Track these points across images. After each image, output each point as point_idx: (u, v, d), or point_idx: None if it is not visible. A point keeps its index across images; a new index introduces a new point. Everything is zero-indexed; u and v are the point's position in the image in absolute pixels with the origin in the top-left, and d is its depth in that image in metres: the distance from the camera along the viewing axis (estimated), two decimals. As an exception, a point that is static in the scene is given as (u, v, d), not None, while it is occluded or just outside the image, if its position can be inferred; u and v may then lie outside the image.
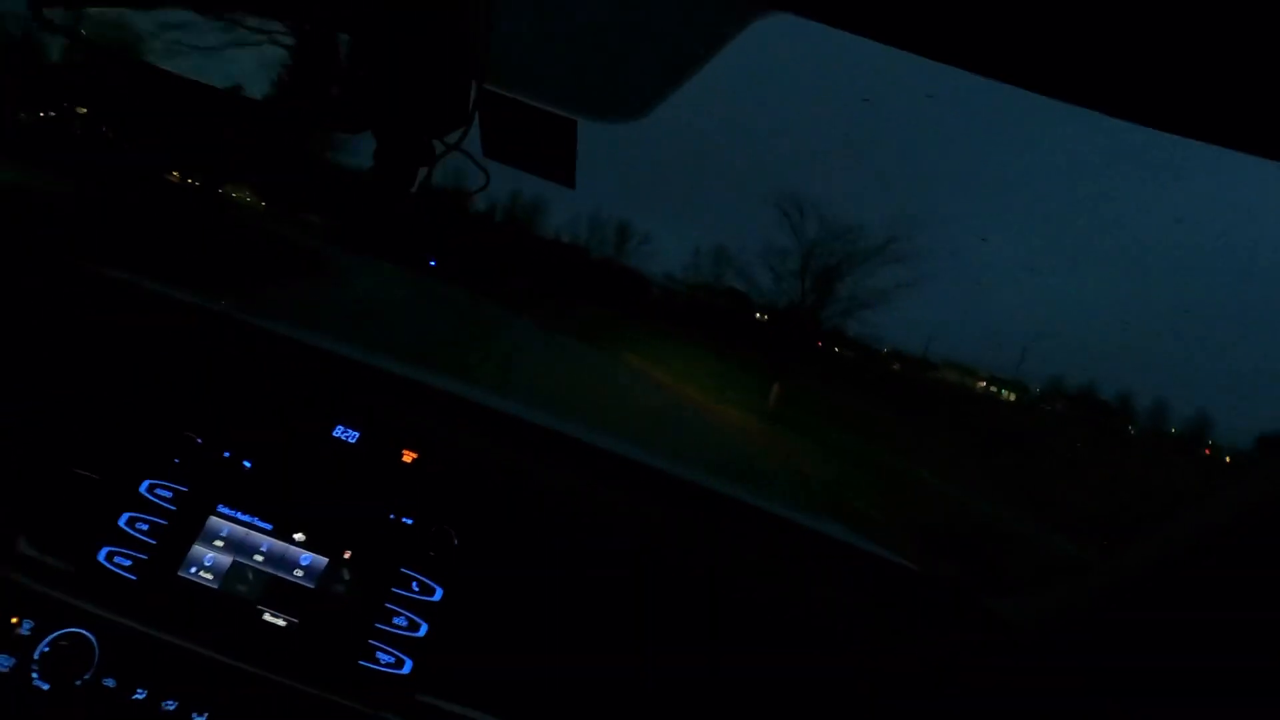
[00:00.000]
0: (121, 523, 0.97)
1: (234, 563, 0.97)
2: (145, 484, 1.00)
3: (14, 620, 0.91)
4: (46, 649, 0.89)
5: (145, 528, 0.98)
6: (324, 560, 0.99)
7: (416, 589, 0.99)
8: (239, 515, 1.00)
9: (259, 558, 0.98)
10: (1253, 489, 0.90)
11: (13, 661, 0.89)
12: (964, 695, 1.04)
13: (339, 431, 1.07)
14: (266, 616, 0.95)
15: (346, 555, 0.99)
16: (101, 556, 0.95)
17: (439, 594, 0.99)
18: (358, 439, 1.07)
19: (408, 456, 1.07)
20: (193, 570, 0.96)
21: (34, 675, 0.89)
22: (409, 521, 1.02)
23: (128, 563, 0.96)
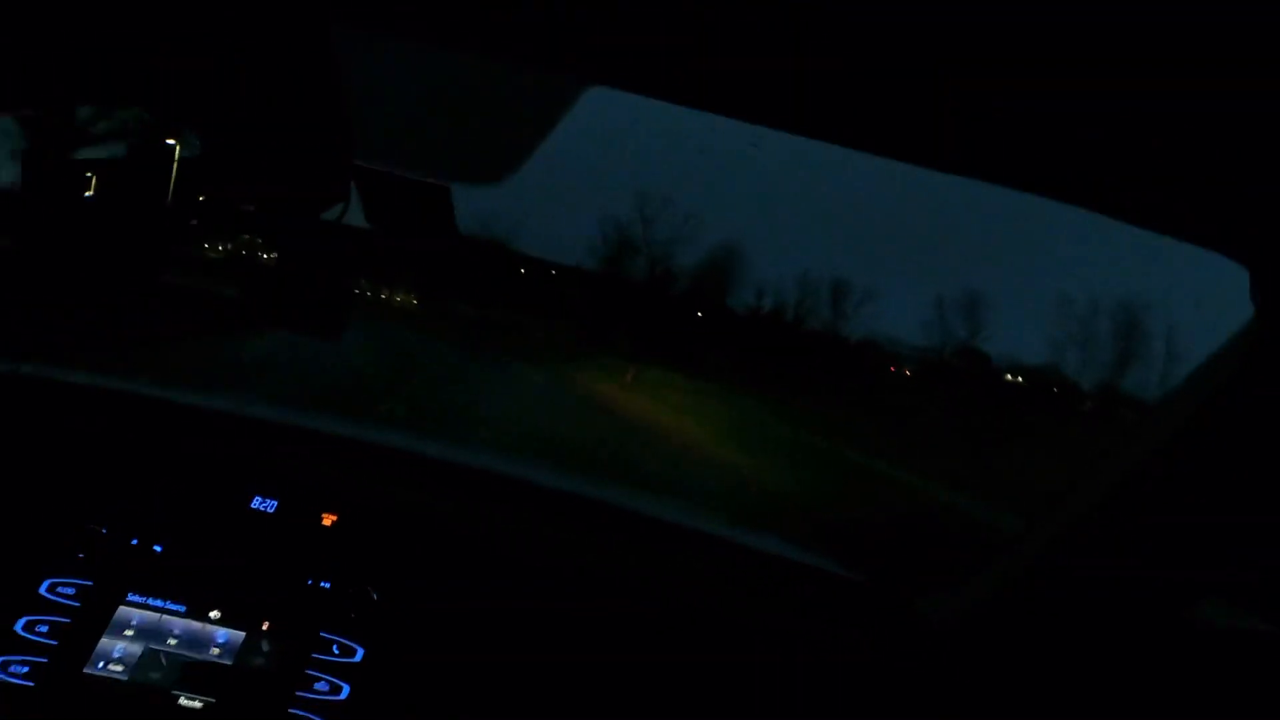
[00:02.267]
0: (19, 628, 0.95)
1: (145, 650, 0.96)
2: (46, 584, 0.98)
3: None
4: None
5: (45, 629, 0.95)
6: (241, 635, 0.98)
7: (337, 651, 0.99)
8: (150, 601, 0.99)
9: (173, 641, 0.97)
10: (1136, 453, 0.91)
11: None
12: (895, 701, 1.06)
13: (257, 503, 1.08)
14: (182, 701, 0.94)
15: (265, 626, 0.99)
16: None
17: (360, 654, 1.00)
18: (276, 508, 1.08)
19: (327, 520, 1.09)
20: (100, 665, 0.94)
21: None
22: (326, 585, 1.03)
23: (25, 669, 0.93)
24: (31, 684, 0.92)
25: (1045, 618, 1.05)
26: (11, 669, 0.92)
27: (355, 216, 1.03)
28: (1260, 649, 1.02)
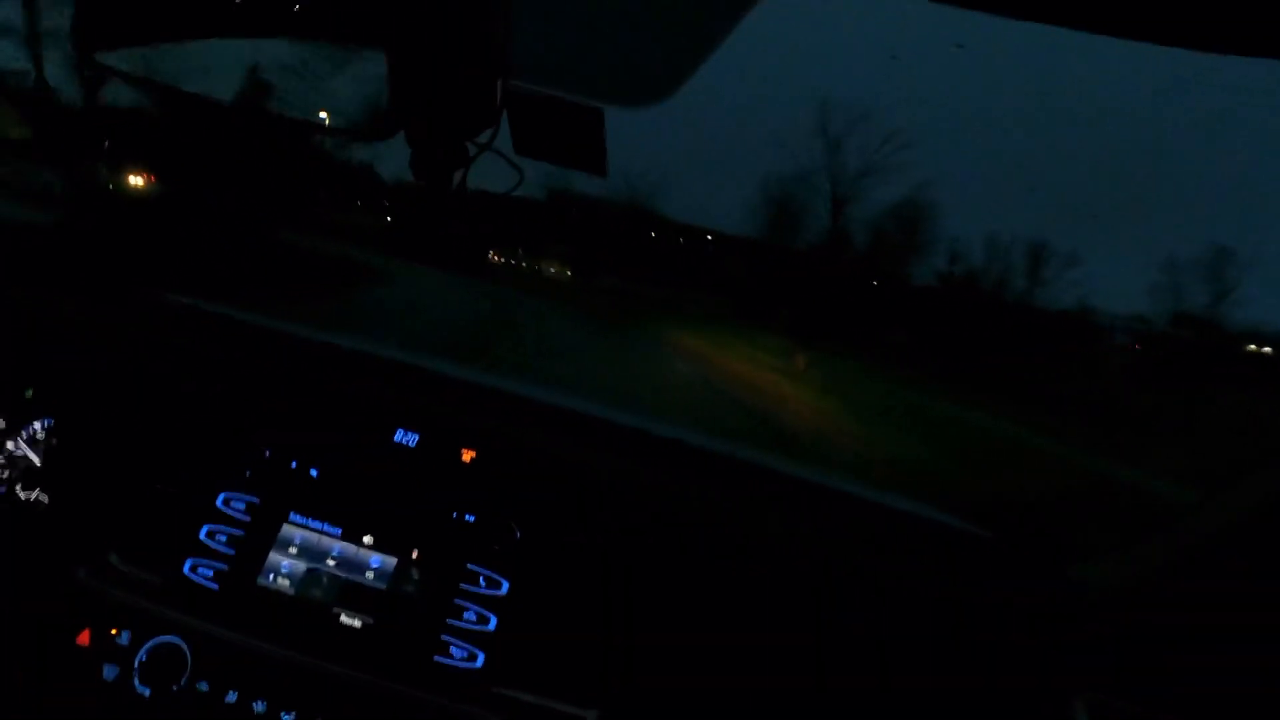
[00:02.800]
0: (202, 535, 1.02)
1: (308, 569, 1.01)
2: (221, 497, 1.05)
3: (113, 631, 0.96)
4: (144, 658, 0.95)
5: (224, 539, 1.02)
6: (393, 561, 1.02)
7: (484, 584, 1.01)
8: (310, 522, 1.03)
9: (331, 562, 1.01)
10: None
11: (116, 670, 0.95)
12: (1049, 666, 1.01)
13: (400, 436, 1.10)
14: (343, 619, 0.99)
15: (414, 555, 1.02)
16: (186, 568, 1.00)
17: (505, 587, 1.01)
18: (418, 442, 1.10)
19: (466, 455, 1.10)
20: (270, 578, 1.00)
21: (135, 682, 0.94)
22: (471, 519, 1.05)
23: (210, 573, 1.00)
24: (216, 587, 0.99)
25: (1218, 592, 0.97)
26: (201, 571, 1.00)
27: (504, 144, 0.98)
28: None
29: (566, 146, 0.96)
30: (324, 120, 1.05)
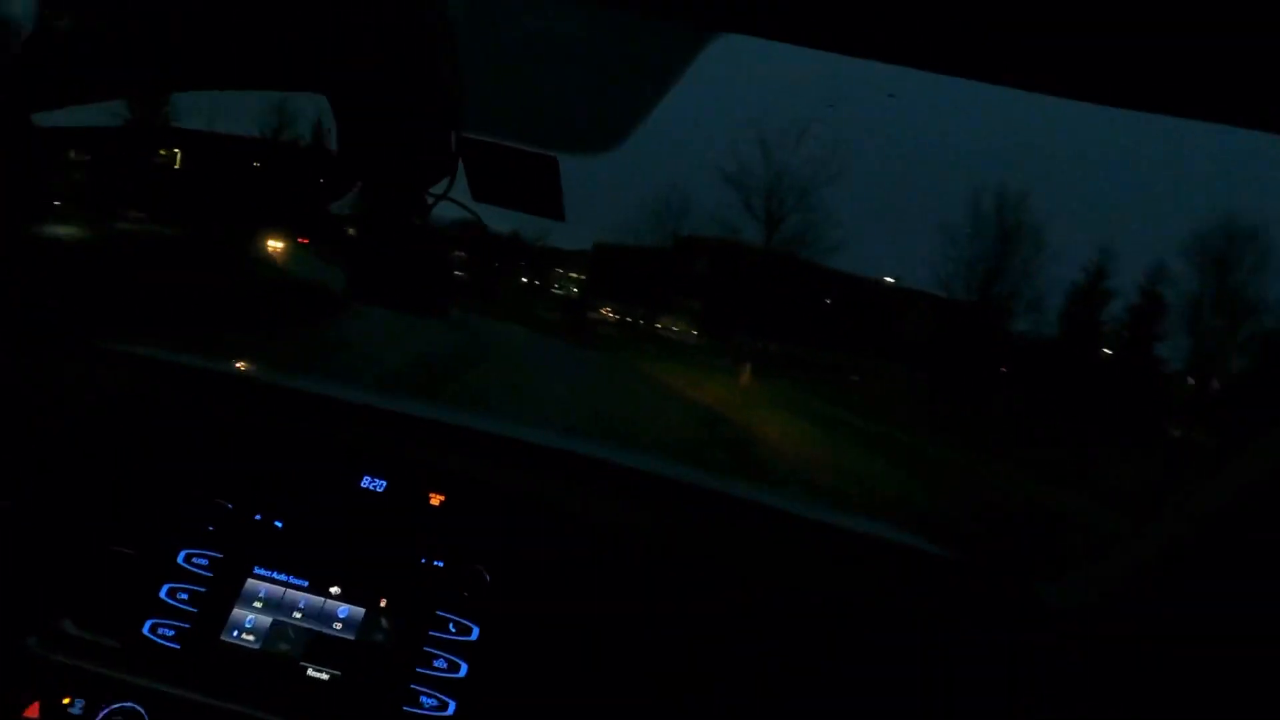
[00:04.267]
0: (163, 594, 1.00)
1: (274, 622, 0.99)
2: (182, 554, 1.02)
3: (66, 701, 0.93)
4: None
5: (185, 596, 1.00)
6: (361, 611, 1.01)
7: (454, 630, 1.00)
8: (275, 575, 1.02)
9: (298, 614, 1.00)
10: None
11: None
12: (1009, 687, 1.01)
13: (366, 482, 1.10)
14: (310, 671, 0.97)
15: (383, 603, 1.01)
16: (146, 629, 0.98)
17: (476, 633, 1.00)
18: (385, 487, 1.10)
19: (435, 499, 1.09)
20: (235, 634, 0.98)
21: None
22: (440, 564, 1.04)
23: (171, 632, 0.98)
24: (177, 646, 0.97)
25: (1183, 607, 0.97)
26: (161, 631, 0.98)
27: (461, 191, 1.00)
28: None
29: (523, 193, 0.99)
30: (279, 172, 1.06)
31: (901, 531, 1.26)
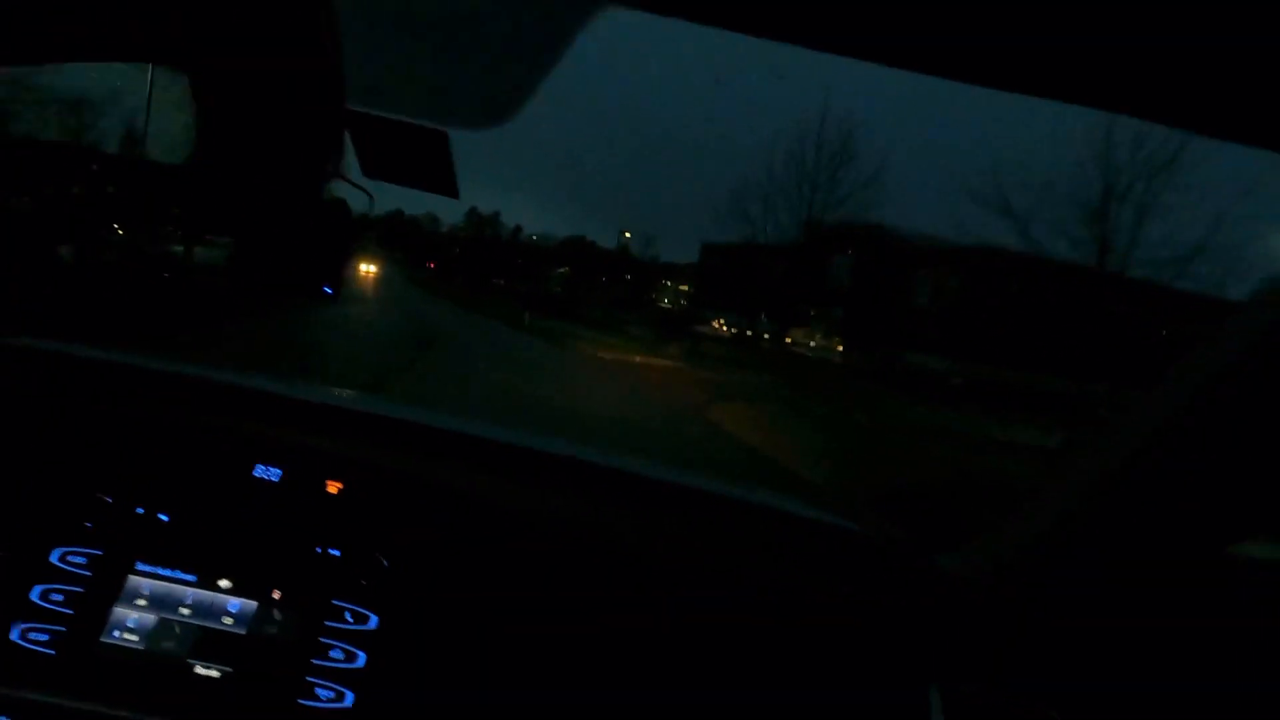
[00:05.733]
0: (34, 596, 0.94)
1: (159, 620, 0.95)
2: (56, 553, 0.97)
3: None
4: None
5: (60, 598, 0.94)
6: (254, 604, 0.97)
7: (351, 619, 0.98)
8: (160, 571, 0.97)
9: (185, 610, 0.96)
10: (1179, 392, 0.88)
11: None
12: (906, 656, 1.03)
13: (259, 471, 1.06)
14: (198, 669, 0.93)
15: (276, 595, 0.98)
16: (15, 635, 0.92)
17: (374, 622, 0.98)
18: (280, 476, 1.06)
19: (332, 487, 1.06)
20: (116, 634, 0.93)
21: None
22: (336, 553, 1.01)
23: (45, 637, 0.92)
24: (53, 652, 0.92)
25: (1078, 568, 1.02)
26: (32, 636, 0.92)
27: (351, 169, 0.97)
28: None
29: (414, 169, 0.96)
30: (154, 153, 1.01)
31: (810, 507, 1.29)
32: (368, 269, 23.72)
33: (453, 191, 0.98)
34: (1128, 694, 0.99)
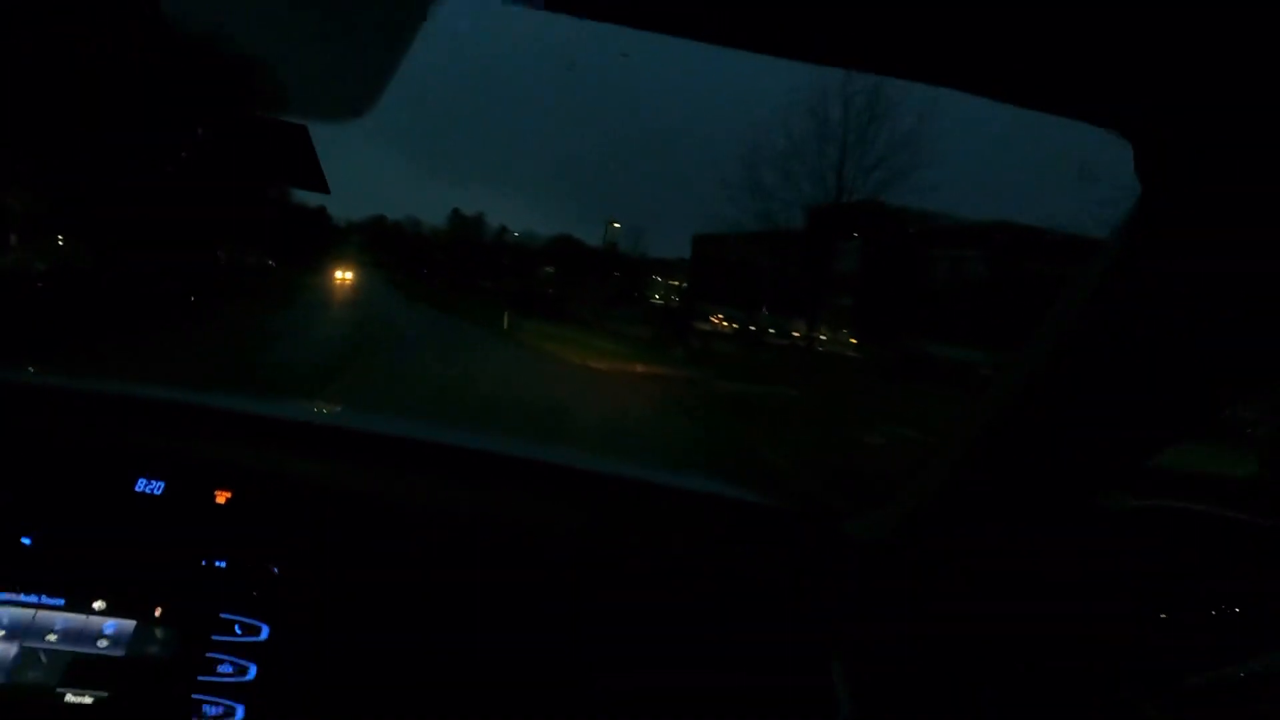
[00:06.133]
0: None
1: (21, 649, 0.89)
2: None
3: None
4: None
5: None
6: (131, 624, 0.92)
7: (240, 631, 0.94)
8: (21, 598, 0.92)
9: (52, 638, 0.90)
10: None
11: None
12: (809, 628, 1.05)
13: (141, 485, 1.01)
14: (69, 698, 0.88)
15: (158, 613, 0.94)
16: None
17: (265, 633, 0.95)
18: (163, 489, 1.01)
19: (221, 497, 1.03)
20: None
21: None
22: (222, 564, 0.98)
23: None
24: None
25: (963, 526, 1.05)
26: None
27: (209, 167, 0.94)
28: (1162, 522, 1.05)
29: (279, 164, 0.94)
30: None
31: (719, 482, 1.32)
32: (343, 276, 22.98)
33: (323, 185, 0.96)
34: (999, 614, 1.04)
